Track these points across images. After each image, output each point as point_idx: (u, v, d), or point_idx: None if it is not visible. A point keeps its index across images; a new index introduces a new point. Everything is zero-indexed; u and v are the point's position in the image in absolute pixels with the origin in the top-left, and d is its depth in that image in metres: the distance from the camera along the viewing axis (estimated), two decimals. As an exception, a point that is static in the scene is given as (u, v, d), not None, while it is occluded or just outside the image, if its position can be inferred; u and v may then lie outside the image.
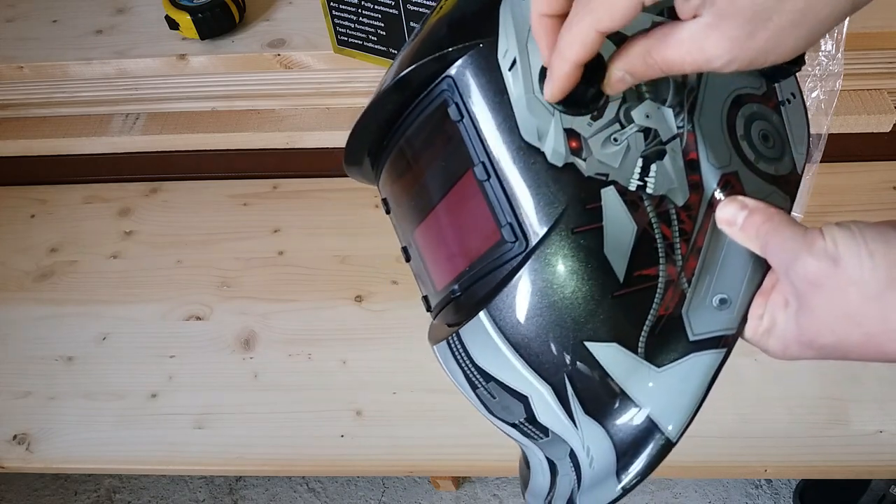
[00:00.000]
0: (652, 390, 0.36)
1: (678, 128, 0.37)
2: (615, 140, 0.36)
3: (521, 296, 0.36)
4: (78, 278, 0.88)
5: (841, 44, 0.68)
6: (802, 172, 0.40)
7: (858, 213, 0.84)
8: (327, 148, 0.88)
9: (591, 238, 0.35)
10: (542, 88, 0.35)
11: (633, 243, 0.35)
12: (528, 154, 0.36)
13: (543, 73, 0.35)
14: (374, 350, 0.78)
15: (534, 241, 0.35)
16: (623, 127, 0.36)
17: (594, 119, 0.36)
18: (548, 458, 0.39)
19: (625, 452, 0.36)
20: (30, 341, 0.83)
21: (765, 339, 0.36)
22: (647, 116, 0.36)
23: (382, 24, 0.74)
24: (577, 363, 0.36)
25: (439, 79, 0.38)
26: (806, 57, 0.70)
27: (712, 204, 0.36)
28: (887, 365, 0.72)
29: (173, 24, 0.79)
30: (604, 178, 0.35)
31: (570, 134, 0.36)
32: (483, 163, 0.37)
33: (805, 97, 0.70)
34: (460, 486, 1.35)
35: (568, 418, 0.37)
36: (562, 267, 0.35)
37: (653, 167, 0.36)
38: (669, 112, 0.37)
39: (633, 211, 0.35)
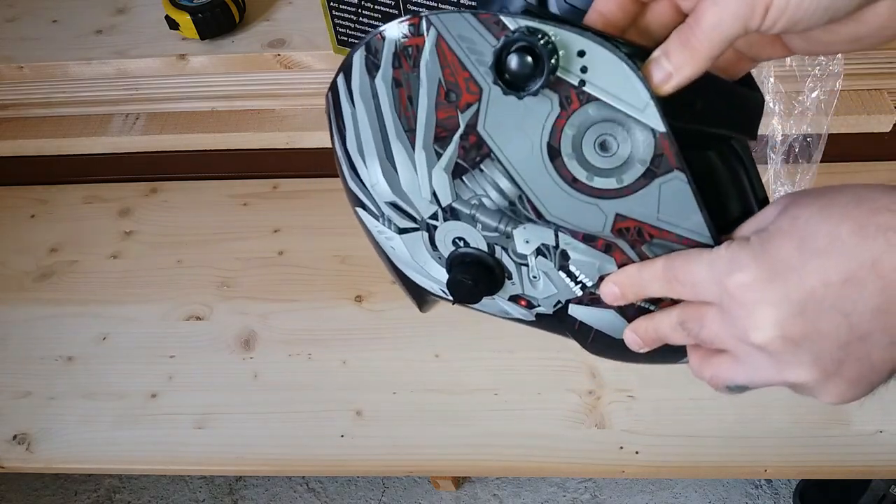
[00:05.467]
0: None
1: (549, 226, 0.38)
2: (535, 277, 0.40)
3: None
4: (78, 278, 0.88)
5: (841, 44, 0.68)
6: (663, 131, 0.32)
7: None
8: (327, 148, 0.87)
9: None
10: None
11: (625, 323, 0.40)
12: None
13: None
14: (374, 350, 0.78)
15: None
16: (527, 265, 0.40)
17: (510, 279, 0.41)
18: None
19: None
20: (30, 341, 0.83)
21: None
22: (527, 241, 0.39)
23: (382, 24, 0.74)
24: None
25: None
26: (806, 57, 0.70)
27: (633, 243, 0.36)
28: (887, 365, 0.72)
29: (173, 24, 0.79)
30: (561, 304, 0.40)
31: (517, 299, 0.42)
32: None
33: (805, 97, 0.70)
34: (460, 486, 1.35)
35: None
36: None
37: (573, 268, 0.39)
38: (532, 224, 0.38)
39: (599, 304, 0.39)
